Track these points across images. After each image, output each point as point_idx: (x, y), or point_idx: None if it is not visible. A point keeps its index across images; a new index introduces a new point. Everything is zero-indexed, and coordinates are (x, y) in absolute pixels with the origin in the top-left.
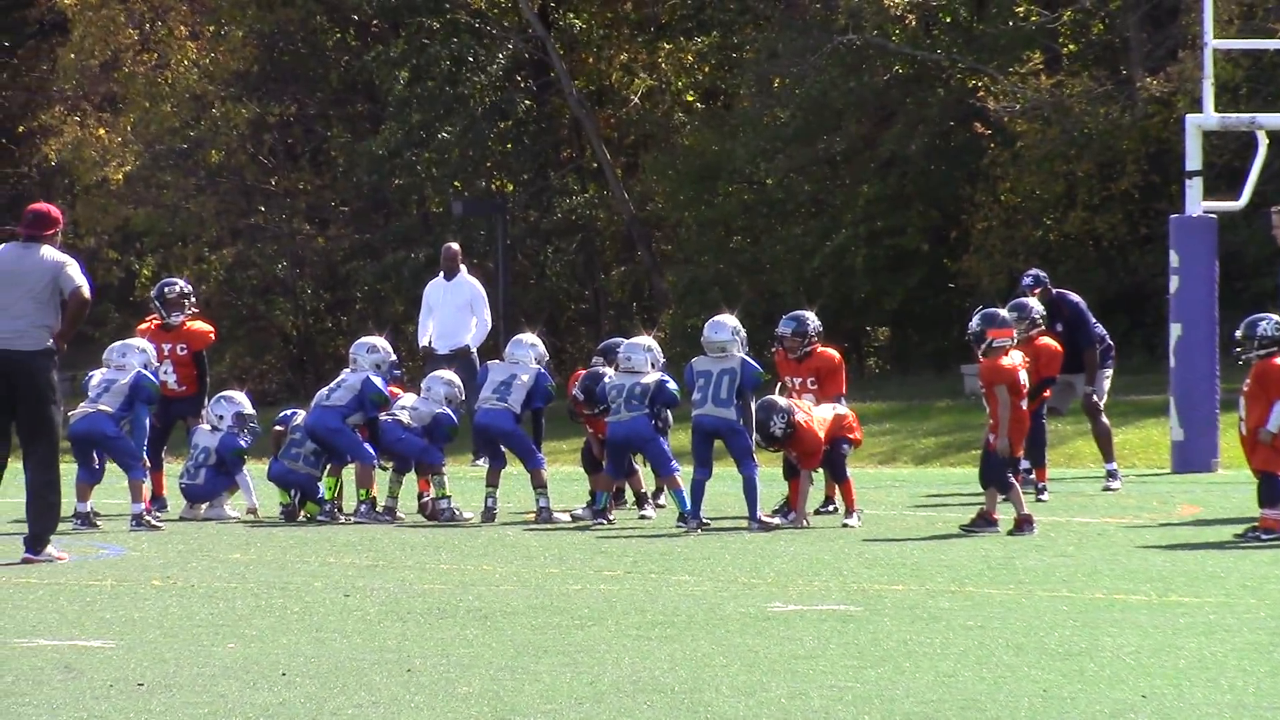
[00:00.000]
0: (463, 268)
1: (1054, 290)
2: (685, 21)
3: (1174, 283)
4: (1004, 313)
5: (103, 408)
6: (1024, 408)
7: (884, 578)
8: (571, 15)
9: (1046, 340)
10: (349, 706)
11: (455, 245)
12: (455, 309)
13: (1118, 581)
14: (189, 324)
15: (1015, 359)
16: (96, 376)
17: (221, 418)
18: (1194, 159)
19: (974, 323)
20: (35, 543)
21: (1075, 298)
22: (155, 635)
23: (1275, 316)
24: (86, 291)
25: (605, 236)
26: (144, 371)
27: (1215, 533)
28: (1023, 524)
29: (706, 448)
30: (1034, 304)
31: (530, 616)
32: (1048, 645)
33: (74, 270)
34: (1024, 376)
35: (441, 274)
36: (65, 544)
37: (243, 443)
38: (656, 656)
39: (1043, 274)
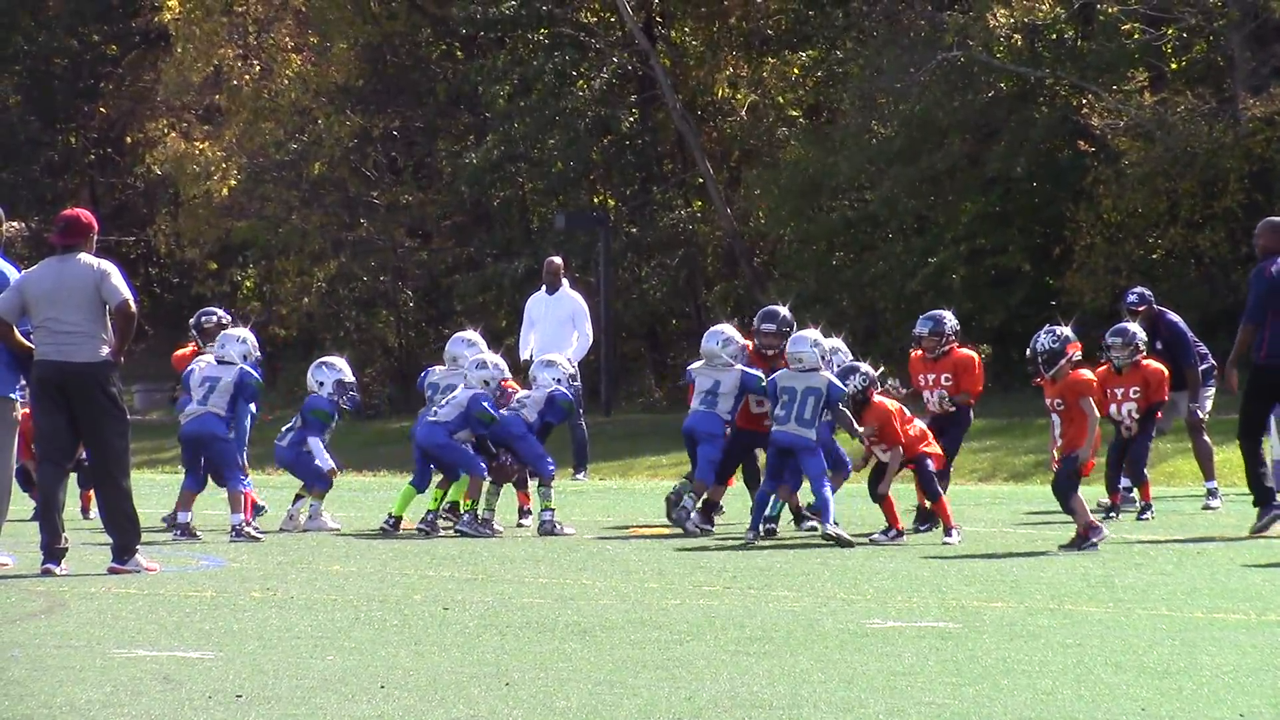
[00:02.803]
0: (565, 281)
1: (1156, 310)
2: (789, 36)
3: None
4: (1068, 330)
5: (213, 409)
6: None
7: (983, 595)
8: (676, 29)
9: (1152, 363)
10: None
11: (558, 259)
12: (557, 323)
13: (1216, 600)
14: None
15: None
16: (196, 372)
17: (322, 384)
18: None
19: (1046, 341)
20: (121, 553)
21: (1174, 317)
22: (254, 647)
23: None
24: (132, 303)
25: (707, 251)
26: (246, 367)
27: None
28: (1088, 533)
29: (781, 463)
30: (1135, 329)
31: (629, 631)
32: (1146, 663)
33: (117, 280)
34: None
35: (544, 287)
36: (165, 555)
37: (332, 408)
38: (754, 672)
39: (1147, 292)
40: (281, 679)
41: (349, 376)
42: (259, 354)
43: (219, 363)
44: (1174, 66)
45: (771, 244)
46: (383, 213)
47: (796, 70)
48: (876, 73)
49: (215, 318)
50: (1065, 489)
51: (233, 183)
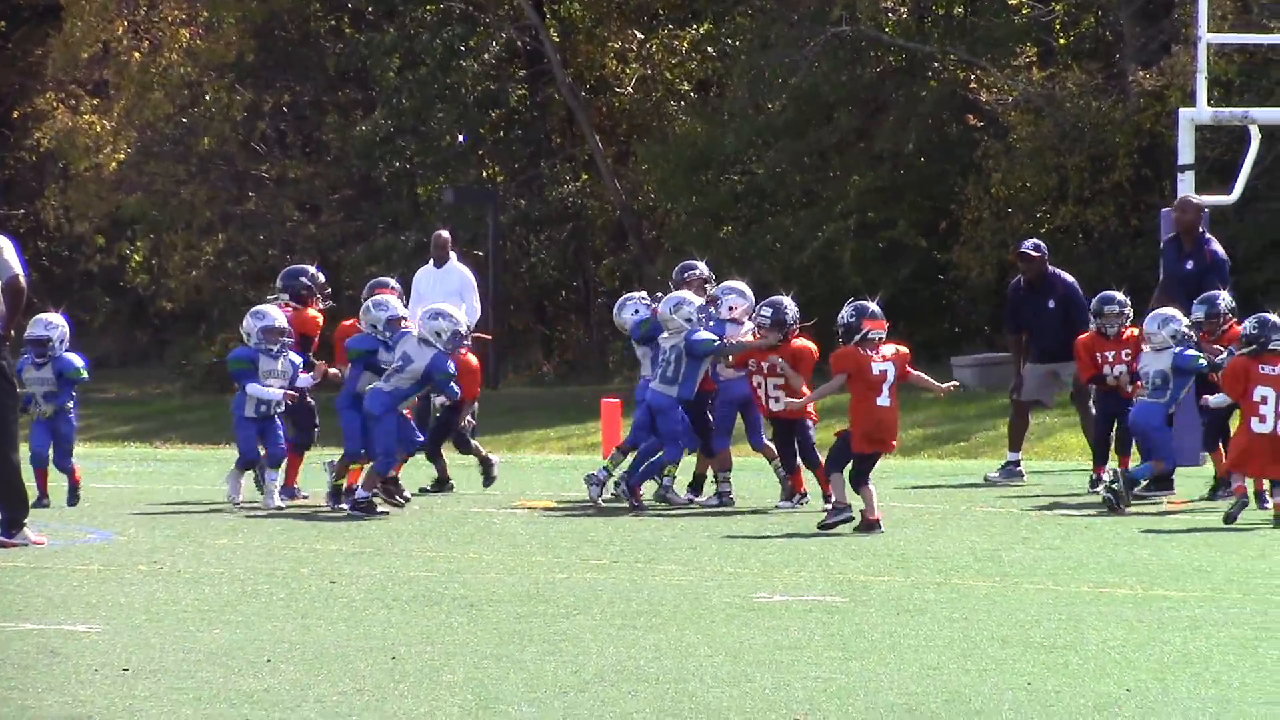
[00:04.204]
0: (453, 255)
1: (1049, 269)
2: (678, 10)
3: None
4: (875, 306)
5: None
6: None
7: (870, 569)
8: (565, 3)
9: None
10: (333, 693)
11: (445, 232)
12: (445, 296)
13: (1103, 575)
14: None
15: (887, 352)
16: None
17: (249, 334)
18: (1186, 153)
19: (848, 313)
20: (9, 526)
21: (1071, 279)
22: (141, 620)
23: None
24: (22, 278)
25: (595, 225)
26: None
27: (1201, 526)
28: (838, 510)
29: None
30: (1123, 297)
31: (515, 605)
32: (1032, 638)
33: (9, 255)
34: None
35: (431, 261)
36: (52, 529)
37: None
38: (641, 646)
39: (1042, 244)
40: (168, 652)
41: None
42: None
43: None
44: (1061, 42)
45: (660, 218)
46: (271, 187)
47: (685, 44)
48: (765, 47)
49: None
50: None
51: (121, 156)
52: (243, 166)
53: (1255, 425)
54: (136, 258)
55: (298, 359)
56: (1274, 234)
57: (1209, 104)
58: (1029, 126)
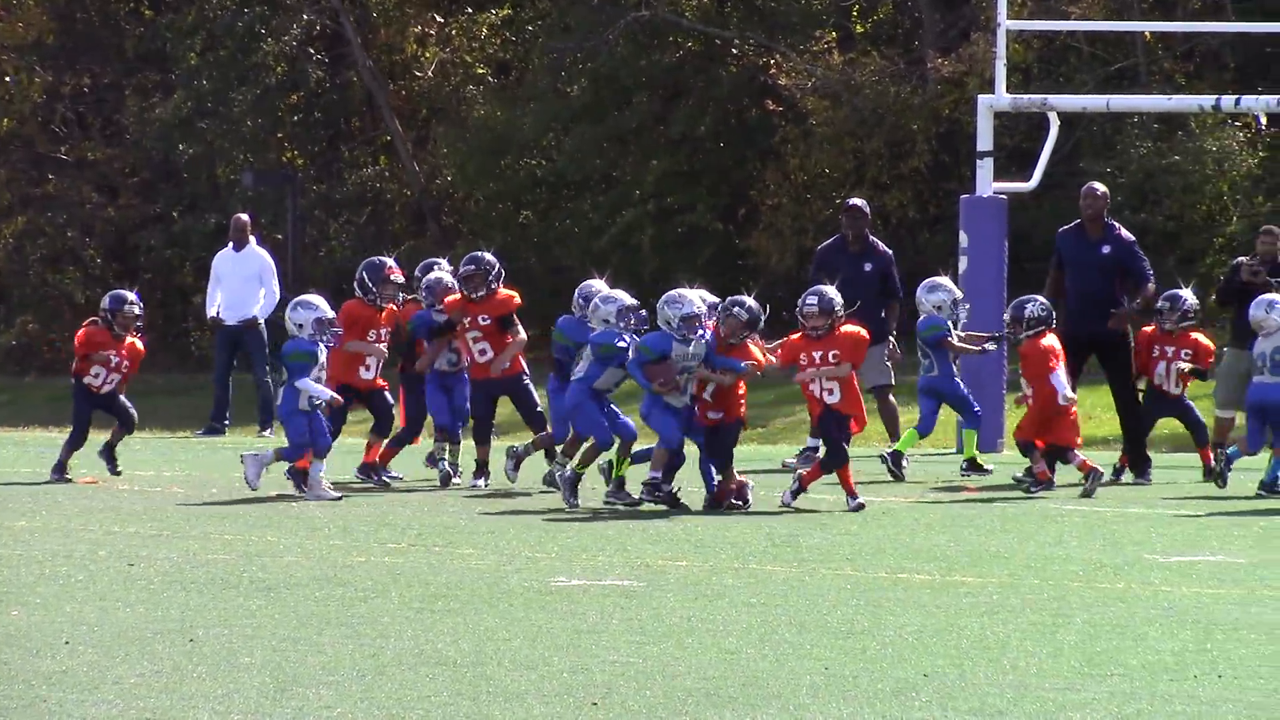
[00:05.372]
0: (252, 239)
1: (869, 237)
2: None
3: (963, 263)
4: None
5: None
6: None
7: (667, 553)
8: None
9: (1201, 337)
10: (131, 675)
11: (244, 216)
12: (244, 280)
13: (901, 560)
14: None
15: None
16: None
17: (300, 325)
18: (985, 139)
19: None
20: None
21: (888, 249)
22: None
23: (1040, 298)
24: None
25: (395, 209)
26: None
27: (1000, 513)
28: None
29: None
30: (1187, 295)
31: (313, 588)
32: (830, 623)
33: None
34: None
35: (231, 244)
36: None
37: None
38: (439, 629)
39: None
40: None
41: (328, 313)
42: None
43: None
44: (859, 30)
45: (459, 202)
46: (70, 169)
47: (485, 28)
48: (564, 30)
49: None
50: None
51: None
52: (42, 149)
53: None
54: None
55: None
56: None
57: (1008, 91)
58: (827, 112)
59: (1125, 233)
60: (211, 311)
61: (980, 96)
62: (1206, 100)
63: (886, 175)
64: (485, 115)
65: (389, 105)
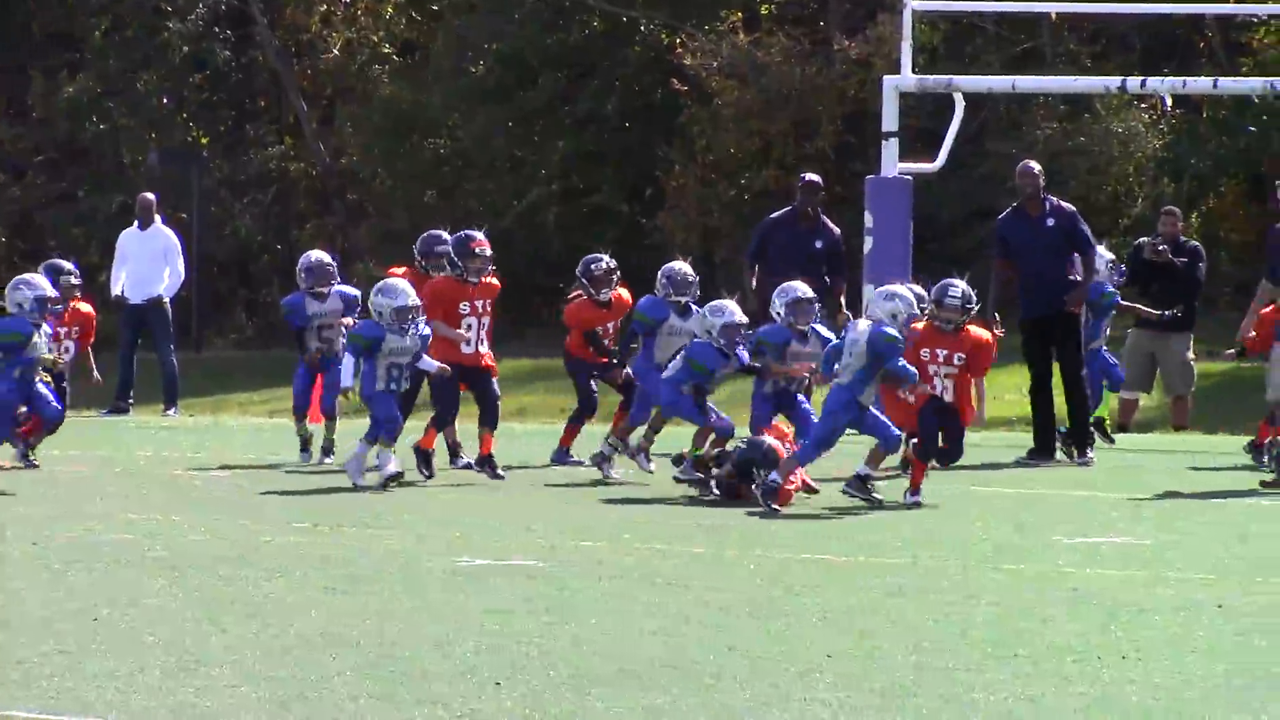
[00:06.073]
0: (157, 218)
1: (822, 214)
2: None
3: (868, 243)
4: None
5: None
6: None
7: (573, 534)
8: None
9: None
10: (35, 655)
11: (150, 195)
12: (149, 259)
13: (809, 542)
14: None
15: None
16: None
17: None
18: (891, 120)
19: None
20: None
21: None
22: None
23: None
24: None
25: (299, 189)
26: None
27: (896, 493)
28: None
29: None
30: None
31: (218, 568)
32: (736, 604)
33: None
34: None
35: (136, 223)
36: None
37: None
38: (345, 610)
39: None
40: None
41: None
42: None
43: None
44: (765, 10)
45: (364, 182)
46: None
47: (391, 7)
48: (470, 10)
49: (603, 264)
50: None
51: None
52: None
53: None
54: None
55: (427, 330)
56: (976, 201)
57: (914, 71)
58: (733, 92)
59: (1065, 204)
60: (116, 290)
61: (886, 77)
62: (1112, 82)
63: (792, 156)
64: (391, 95)
65: (295, 85)
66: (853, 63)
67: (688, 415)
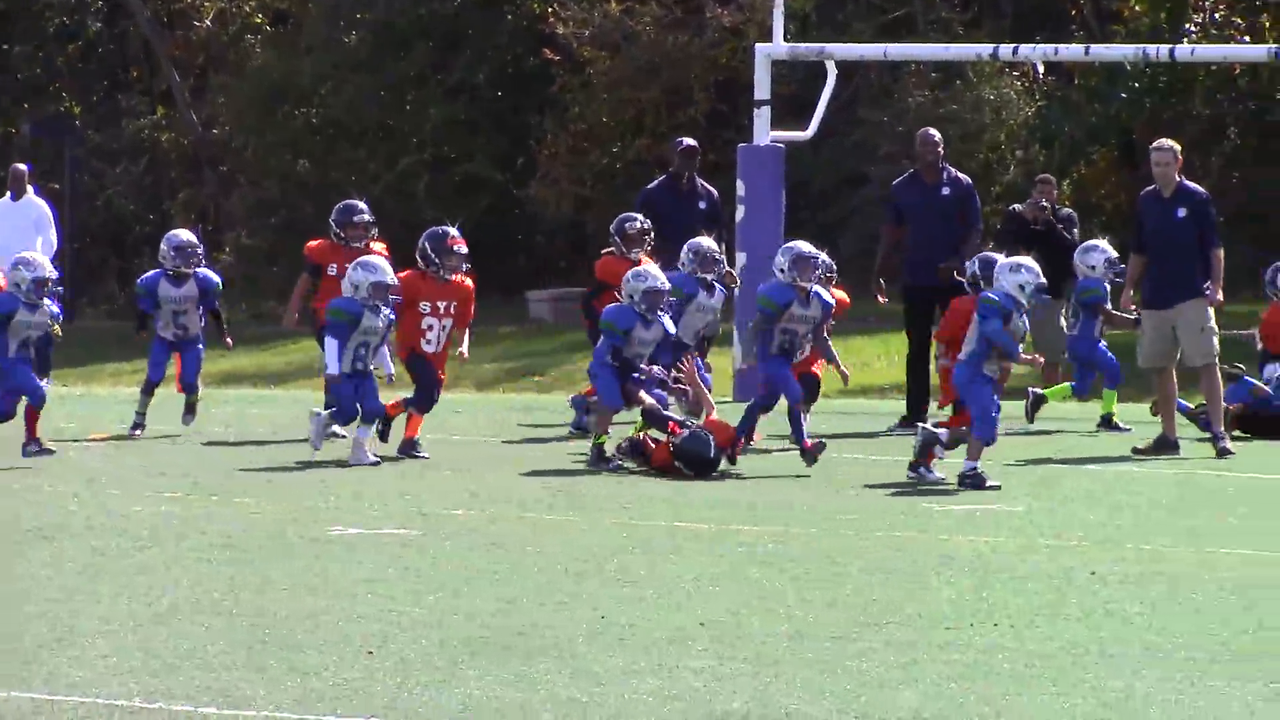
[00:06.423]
0: (30, 188)
1: (698, 177)
2: None
3: (740, 212)
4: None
5: None
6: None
7: (446, 503)
8: None
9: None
10: None
11: (22, 165)
12: (21, 230)
13: (680, 510)
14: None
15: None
16: None
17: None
18: (763, 88)
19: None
20: None
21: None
22: None
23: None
24: None
25: (172, 158)
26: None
27: (774, 462)
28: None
29: None
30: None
31: (90, 536)
32: (607, 572)
33: None
34: None
35: (9, 194)
36: None
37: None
38: (218, 578)
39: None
40: None
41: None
42: None
43: None
44: None
45: (236, 151)
46: None
47: None
48: None
49: (637, 224)
50: None
51: None
52: None
53: None
54: None
55: (393, 316)
56: (848, 169)
57: (786, 39)
58: (605, 61)
59: (962, 176)
60: None
61: (758, 45)
62: (984, 49)
63: (665, 125)
64: (263, 64)
65: (167, 54)
66: (725, 30)
67: (602, 392)
